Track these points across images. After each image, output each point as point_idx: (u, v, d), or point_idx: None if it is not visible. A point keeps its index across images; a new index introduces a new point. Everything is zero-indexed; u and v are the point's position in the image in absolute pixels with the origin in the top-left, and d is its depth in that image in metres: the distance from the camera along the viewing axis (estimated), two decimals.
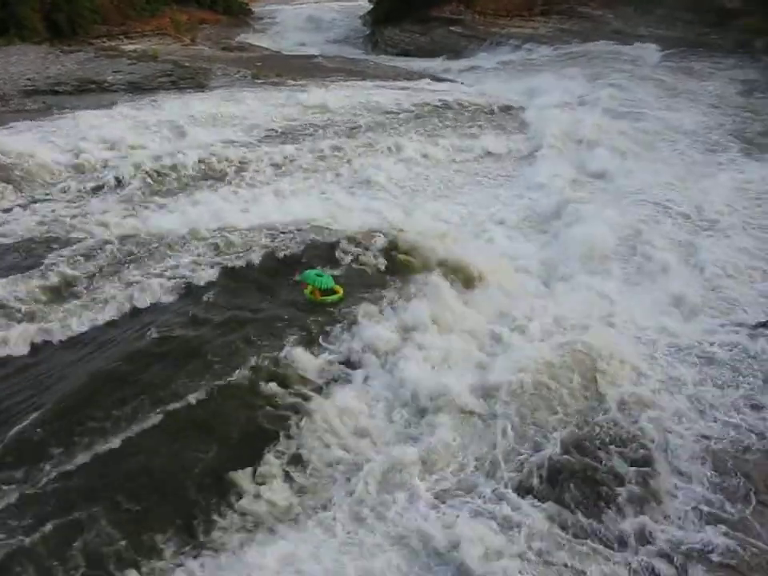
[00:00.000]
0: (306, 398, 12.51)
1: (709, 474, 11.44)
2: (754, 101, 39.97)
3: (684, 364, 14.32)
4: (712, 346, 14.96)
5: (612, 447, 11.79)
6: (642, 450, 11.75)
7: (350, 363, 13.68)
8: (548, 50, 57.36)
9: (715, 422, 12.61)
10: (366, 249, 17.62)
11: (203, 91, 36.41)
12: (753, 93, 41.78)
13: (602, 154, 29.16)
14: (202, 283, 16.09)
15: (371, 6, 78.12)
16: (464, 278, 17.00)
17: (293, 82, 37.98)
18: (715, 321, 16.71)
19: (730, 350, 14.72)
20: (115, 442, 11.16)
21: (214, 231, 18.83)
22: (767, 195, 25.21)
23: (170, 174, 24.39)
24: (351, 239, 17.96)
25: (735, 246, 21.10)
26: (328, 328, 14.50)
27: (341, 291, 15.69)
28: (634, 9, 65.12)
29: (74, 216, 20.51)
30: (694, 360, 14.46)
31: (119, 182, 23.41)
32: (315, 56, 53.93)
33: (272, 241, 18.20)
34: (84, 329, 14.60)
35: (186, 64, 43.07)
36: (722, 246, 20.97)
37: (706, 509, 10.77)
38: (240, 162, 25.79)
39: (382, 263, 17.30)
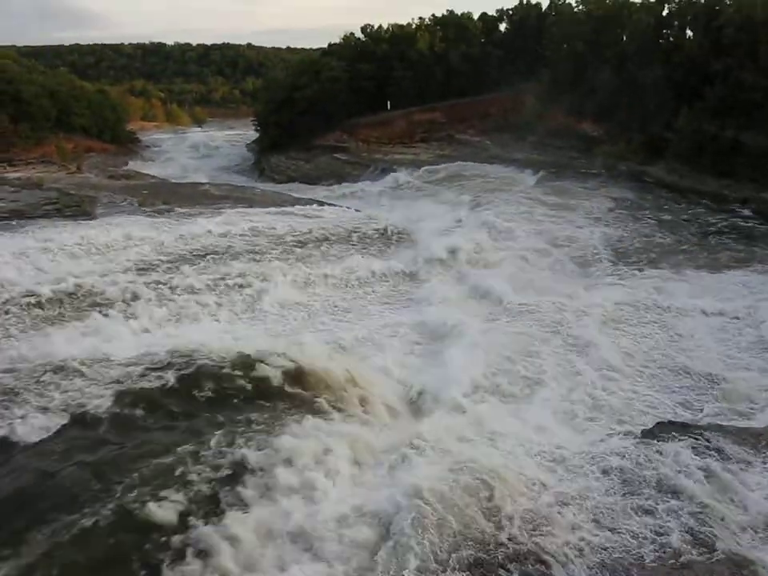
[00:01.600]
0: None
1: None
2: (625, 217, 42.51)
3: (577, 476, 14.45)
4: (602, 456, 15.18)
5: (513, 564, 11.66)
6: (541, 566, 11.65)
7: (239, 497, 13.11)
8: (430, 175, 59.43)
9: (611, 531, 12.66)
10: (256, 374, 17.27)
11: (89, 220, 35.88)
12: (624, 210, 44.48)
13: (491, 273, 30.21)
14: (87, 413, 15.36)
15: (257, 135, 79.90)
16: (353, 403, 16.91)
17: (180, 210, 37.89)
18: (603, 431, 17.13)
19: (620, 459, 14.93)
20: None
21: (97, 362, 18.13)
22: (642, 310, 26.49)
23: (51, 304, 23.67)
24: (243, 365, 17.59)
25: (617, 359, 21.90)
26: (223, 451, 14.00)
27: None
28: (509, 136, 69.17)
29: None
30: (586, 471, 14.62)
31: None
32: (202, 183, 54.34)
33: (161, 369, 17.57)
34: None
35: (72, 192, 42.51)
36: (605, 360, 21.69)
37: None
38: (127, 291, 25.27)
39: (269, 388, 16.96)
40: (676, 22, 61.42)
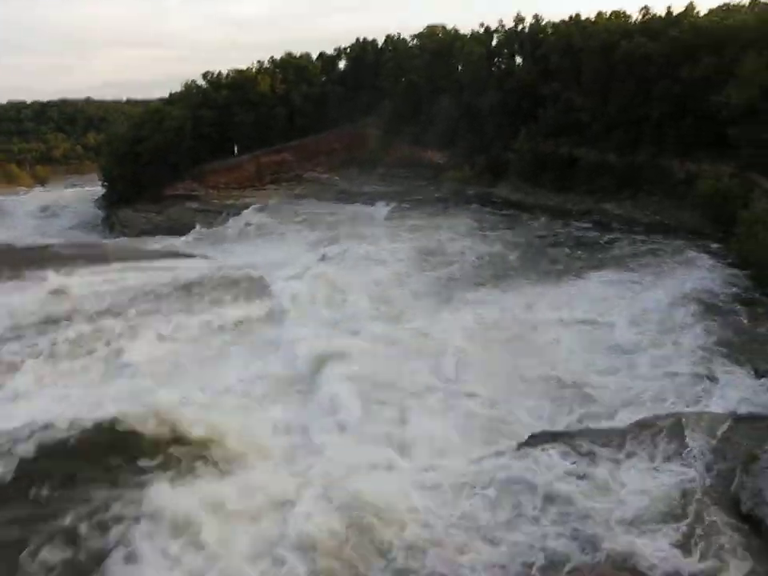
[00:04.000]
0: None
1: None
2: (478, 238, 43.96)
3: (458, 496, 14.73)
4: (481, 473, 15.57)
5: None
6: None
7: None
8: (282, 216, 59.20)
9: (500, 546, 12.95)
10: (121, 435, 16.68)
11: None
12: (476, 231, 46.05)
13: (351, 306, 30.47)
14: None
15: (104, 190, 77.71)
16: (224, 455, 16.65)
17: (29, 274, 36.07)
18: (479, 449, 17.51)
19: (499, 474, 15.35)
20: None
21: None
22: (505, 325, 27.45)
23: None
24: (105, 430, 16.92)
25: (485, 376, 22.53)
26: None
27: None
28: (356, 170, 70.40)
29: None
30: (468, 490, 14.93)
31: None
32: (51, 245, 51.70)
33: (18, 441, 16.56)
34: None
35: None
36: (474, 378, 22.26)
37: None
38: None
39: (135, 449, 16.41)
40: (505, 50, 64.47)
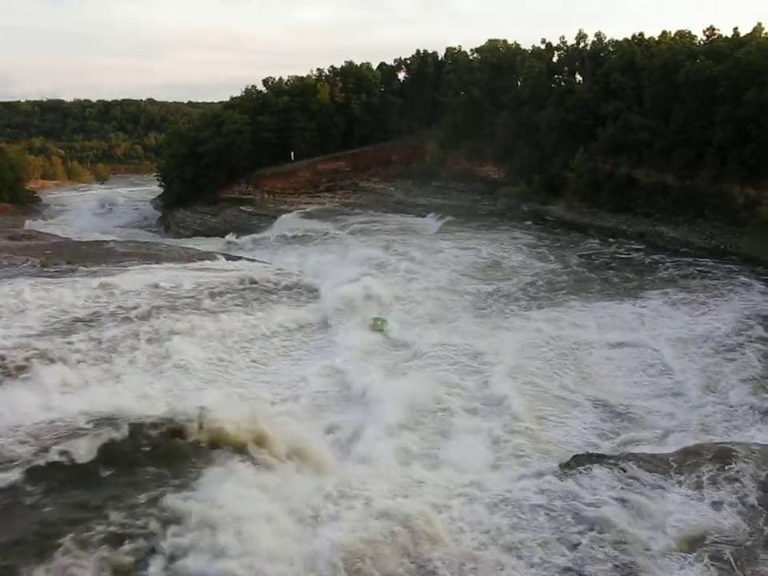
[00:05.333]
0: None
1: None
2: (531, 256, 43.62)
3: (498, 514, 14.54)
4: (522, 492, 15.35)
5: None
6: None
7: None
8: (336, 225, 59.54)
9: (536, 567, 12.76)
10: (170, 434, 16.80)
11: None
12: (528, 249, 45.69)
13: (399, 319, 30.53)
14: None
15: (162, 190, 79.00)
16: (272, 457, 16.66)
17: (85, 269, 36.72)
18: (521, 468, 17.34)
19: (540, 494, 15.12)
20: None
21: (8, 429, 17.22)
22: (553, 346, 27.18)
23: None
24: (155, 425, 17.05)
25: (530, 396, 22.32)
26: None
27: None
28: (412, 181, 70.48)
29: None
30: (508, 508, 14.73)
31: None
32: (107, 241, 52.75)
33: (73, 435, 16.78)
34: None
35: None
36: (518, 396, 22.04)
37: None
38: (33, 355, 24.08)
39: (185, 448, 16.50)
40: (566, 67, 64.07)
